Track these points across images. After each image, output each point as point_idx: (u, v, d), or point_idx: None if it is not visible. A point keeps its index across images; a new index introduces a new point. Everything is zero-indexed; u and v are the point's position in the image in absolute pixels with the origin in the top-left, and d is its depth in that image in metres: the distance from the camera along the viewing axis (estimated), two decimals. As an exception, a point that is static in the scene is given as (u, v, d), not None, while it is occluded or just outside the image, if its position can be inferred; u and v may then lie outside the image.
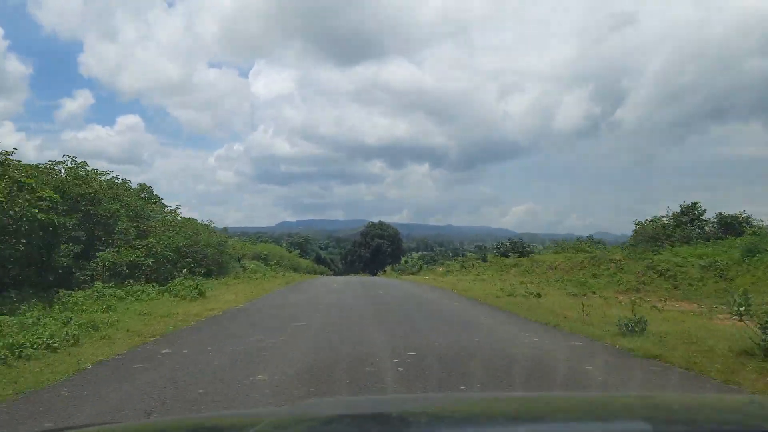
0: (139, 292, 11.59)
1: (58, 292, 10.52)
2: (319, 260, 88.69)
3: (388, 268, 58.16)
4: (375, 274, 57.81)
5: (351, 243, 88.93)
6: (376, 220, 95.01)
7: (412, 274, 39.54)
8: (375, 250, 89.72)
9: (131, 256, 13.83)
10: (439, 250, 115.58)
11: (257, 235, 76.21)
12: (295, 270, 41.80)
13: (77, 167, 15.20)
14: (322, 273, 62.20)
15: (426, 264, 62.68)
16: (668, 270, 16.69)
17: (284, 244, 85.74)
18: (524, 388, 4.78)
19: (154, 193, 25.74)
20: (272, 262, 33.57)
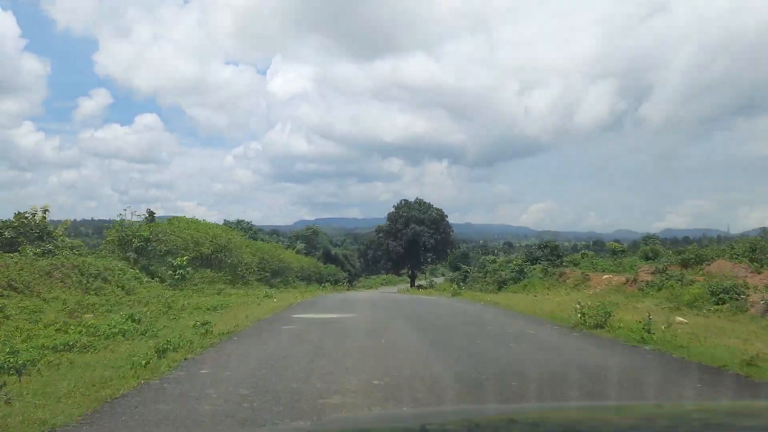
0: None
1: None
2: (329, 258, 77.99)
3: (424, 273, 54.03)
4: (414, 284, 54.11)
5: (374, 233, 74.45)
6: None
7: (492, 292, 29.89)
8: (411, 241, 68.51)
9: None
10: (465, 248, 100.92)
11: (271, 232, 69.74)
12: (275, 277, 36.59)
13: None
14: (329, 280, 53.36)
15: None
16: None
17: (283, 240, 77.45)
18: None
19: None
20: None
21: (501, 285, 29.58)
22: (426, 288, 54.13)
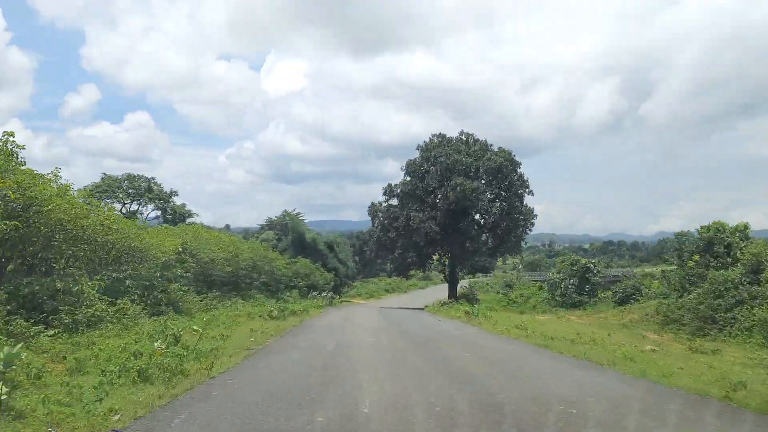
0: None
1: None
2: (302, 247, 47.69)
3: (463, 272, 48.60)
4: (455, 290, 41.03)
5: (377, 202, 44.07)
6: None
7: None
8: (454, 211, 38.63)
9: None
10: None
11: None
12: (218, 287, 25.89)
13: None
14: (295, 286, 36.55)
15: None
16: None
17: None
18: None
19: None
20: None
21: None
22: (472, 301, 37.10)
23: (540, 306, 39.86)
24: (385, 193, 42.47)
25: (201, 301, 21.59)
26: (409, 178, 41.52)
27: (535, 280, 78.86)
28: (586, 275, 36.98)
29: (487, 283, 74.58)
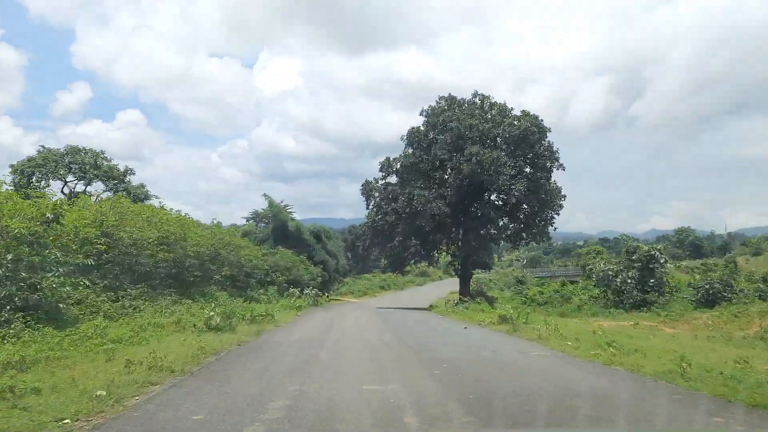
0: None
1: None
2: (284, 236, 41.01)
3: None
4: (467, 287, 33.51)
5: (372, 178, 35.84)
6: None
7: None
8: (470, 189, 31.44)
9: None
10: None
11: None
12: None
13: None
14: (271, 282, 30.27)
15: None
16: None
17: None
18: None
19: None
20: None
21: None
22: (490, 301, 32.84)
23: (588, 307, 33.34)
24: (382, 169, 34.82)
25: (114, 302, 14.57)
26: (411, 150, 33.84)
27: (538, 276, 72.81)
28: (650, 266, 30.01)
29: (491, 280, 66.50)
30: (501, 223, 33.64)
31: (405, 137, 34.24)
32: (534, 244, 39.94)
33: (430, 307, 33.36)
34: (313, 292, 32.25)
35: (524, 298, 40.25)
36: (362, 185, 34.79)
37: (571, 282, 50.70)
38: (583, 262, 52.74)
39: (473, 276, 65.66)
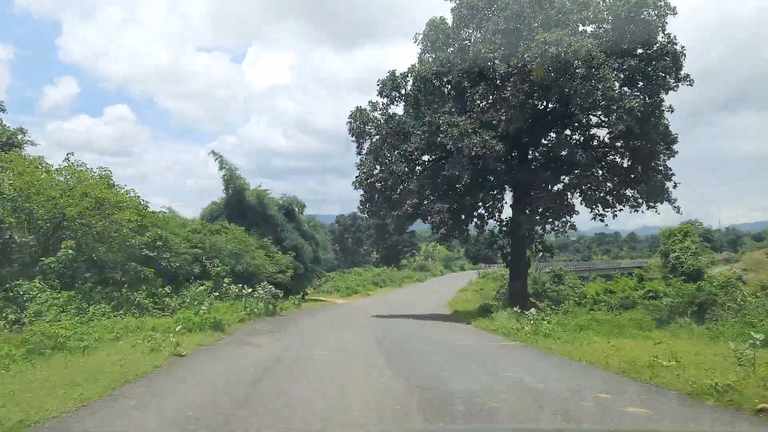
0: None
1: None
2: (240, 210, 30.20)
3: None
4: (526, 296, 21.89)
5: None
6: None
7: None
8: (540, 111, 19.34)
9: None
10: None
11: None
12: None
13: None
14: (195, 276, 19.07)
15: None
16: None
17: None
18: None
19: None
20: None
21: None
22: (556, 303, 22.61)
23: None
24: (382, 91, 20.37)
25: None
26: (431, 56, 19.82)
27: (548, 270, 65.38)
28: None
29: (503, 275, 50.27)
30: (589, 176, 18.29)
31: (420, 38, 20.01)
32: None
33: (451, 312, 22.61)
34: (269, 292, 19.23)
35: (601, 304, 25.83)
36: (350, 117, 20.49)
37: (638, 277, 35.95)
38: (664, 248, 38.00)
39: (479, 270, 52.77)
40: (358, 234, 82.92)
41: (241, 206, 30.43)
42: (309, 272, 34.38)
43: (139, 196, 17.72)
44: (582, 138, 19.88)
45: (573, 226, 20.20)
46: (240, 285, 19.32)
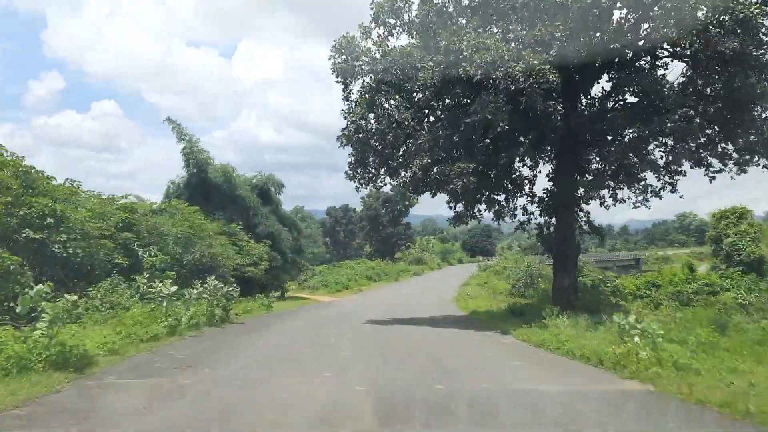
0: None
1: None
2: (202, 189, 25.35)
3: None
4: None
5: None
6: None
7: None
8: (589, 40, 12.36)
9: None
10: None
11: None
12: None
13: None
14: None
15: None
16: None
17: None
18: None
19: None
20: None
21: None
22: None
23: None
24: (377, 19, 14.54)
25: None
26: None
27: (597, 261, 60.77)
28: None
29: (505, 267, 43.46)
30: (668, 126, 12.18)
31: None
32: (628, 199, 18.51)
33: (474, 316, 17.49)
34: (218, 291, 13.60)
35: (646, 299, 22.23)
36: (333, 49, 14.42)
37: (688, 267, 29.76)
38: (714, 233, 31.23)
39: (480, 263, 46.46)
40: (350, 226, 75.95)
41: (204, 185, 25.15)
42: (288, 264, 29.31)
43: (19, 157, 12.35)
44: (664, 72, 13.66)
45: (656, 193, 14.51)
46: (165, 281, 12.52)
